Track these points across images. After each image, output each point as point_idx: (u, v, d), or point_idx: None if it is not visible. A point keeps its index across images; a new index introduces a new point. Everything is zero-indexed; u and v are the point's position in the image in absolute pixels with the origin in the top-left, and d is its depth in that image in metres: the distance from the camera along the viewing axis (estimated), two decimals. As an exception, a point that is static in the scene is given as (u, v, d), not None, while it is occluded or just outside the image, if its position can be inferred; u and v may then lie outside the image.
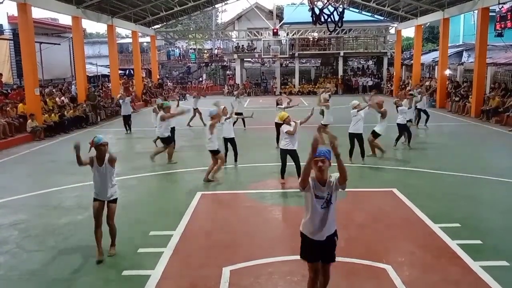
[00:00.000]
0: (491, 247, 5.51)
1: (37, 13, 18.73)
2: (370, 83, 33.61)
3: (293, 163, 8.32)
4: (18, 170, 10.69)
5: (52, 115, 15.92)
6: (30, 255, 5.58)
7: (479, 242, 5.66)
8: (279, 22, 32.33)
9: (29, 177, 9.98)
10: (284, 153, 8.43)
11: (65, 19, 28.31)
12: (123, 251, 5.48)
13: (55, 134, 15.53)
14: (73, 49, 21.48)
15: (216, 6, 31.69)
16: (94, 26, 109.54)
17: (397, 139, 11.89)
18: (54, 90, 19.26)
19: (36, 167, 10.94)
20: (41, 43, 21.33)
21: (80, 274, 5.00)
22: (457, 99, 20.48)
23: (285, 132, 8.24)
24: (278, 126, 10.98)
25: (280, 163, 8.59)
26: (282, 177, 8.58)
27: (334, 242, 4.05)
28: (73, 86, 22.28)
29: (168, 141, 10.64)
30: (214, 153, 8.91)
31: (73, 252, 5.57)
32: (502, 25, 17.49)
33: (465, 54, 25.23)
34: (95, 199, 5.43)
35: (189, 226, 6.41)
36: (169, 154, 10.66)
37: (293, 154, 8.30)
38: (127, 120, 15.68)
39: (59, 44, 24.38)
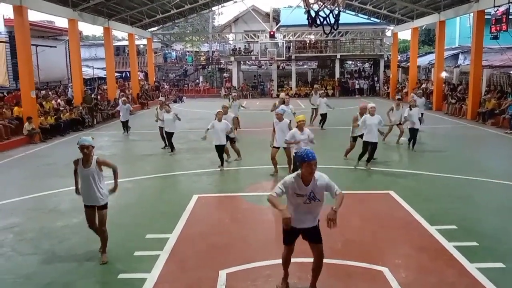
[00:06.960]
0: (487, 248, 5.52)
1: (33, 15, 18.66)
2: (365, 86, 33.69)
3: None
4: (14, 173, 10.64)
5: (48, 118, 15.86)
6: (25, 258, 5.53)
7: (475, 244, 5.66)
8: (276, 25, 32.38)
9: (24, 180, 9.92)
10: None
11: (61, 22, 28.42)
12: (119, 254, 5.45)
13: (51, 137, 15.47)
14: (69, 51, 21.43)
15: (213, 8, 31.74)
16: (90, 28, 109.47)
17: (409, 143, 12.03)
18: (50, 92, 19.19)
19: (31, 170, 10.88)
20: (37, 45, 21.24)
21: (75, 278, 4.97)
22: (453, 101, 20.58)
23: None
24: None
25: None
26: None
27: (316, 228, 4.27)
28: (69, 89, 22.24)
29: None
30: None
31: (69, 256, 5.53)
32: (498, 28, 17.56)
33: (461, 56, 25.36)
34: (85, 205, 5.33)
35: (186, 229, 6.39)
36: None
37: None
38: (125, 124, 15.83)
39: (55, 47, 24.32)
